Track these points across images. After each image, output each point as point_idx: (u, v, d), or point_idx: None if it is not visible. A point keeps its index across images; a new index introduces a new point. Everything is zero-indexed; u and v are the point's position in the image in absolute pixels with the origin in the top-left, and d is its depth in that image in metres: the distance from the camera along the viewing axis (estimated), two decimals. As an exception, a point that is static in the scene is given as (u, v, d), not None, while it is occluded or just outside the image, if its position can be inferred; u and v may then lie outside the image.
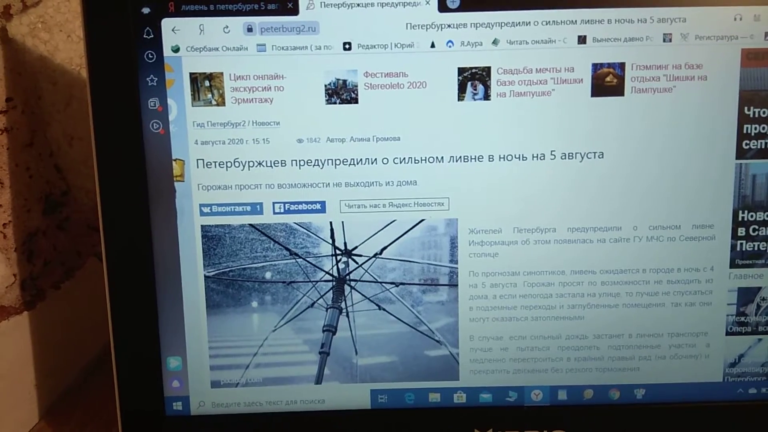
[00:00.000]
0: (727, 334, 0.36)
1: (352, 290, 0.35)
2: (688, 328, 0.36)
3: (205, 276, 0.35)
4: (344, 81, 0.33)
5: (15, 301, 0.39)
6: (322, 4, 0.32)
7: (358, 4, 0.32)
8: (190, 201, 0.34)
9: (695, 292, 0.35)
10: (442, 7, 0.33)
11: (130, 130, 0.33)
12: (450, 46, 0.33)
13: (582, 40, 0.33)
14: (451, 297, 0.35)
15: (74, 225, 0.44)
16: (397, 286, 0.35)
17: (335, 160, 0.34)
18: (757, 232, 0.35)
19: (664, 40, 0.33)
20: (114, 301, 0.34)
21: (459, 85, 0.33)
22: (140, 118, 0.33)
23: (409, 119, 0.34)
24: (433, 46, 0.33)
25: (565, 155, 0.34)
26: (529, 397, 0.36)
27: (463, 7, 0.33)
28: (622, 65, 0.33)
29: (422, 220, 0.35)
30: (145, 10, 0.32)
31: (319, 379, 0.36)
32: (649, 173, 0.34)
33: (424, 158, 0.34)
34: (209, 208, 0.34)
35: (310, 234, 0.35)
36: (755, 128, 0.34)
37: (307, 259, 0.35)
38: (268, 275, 0.35)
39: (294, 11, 0.33)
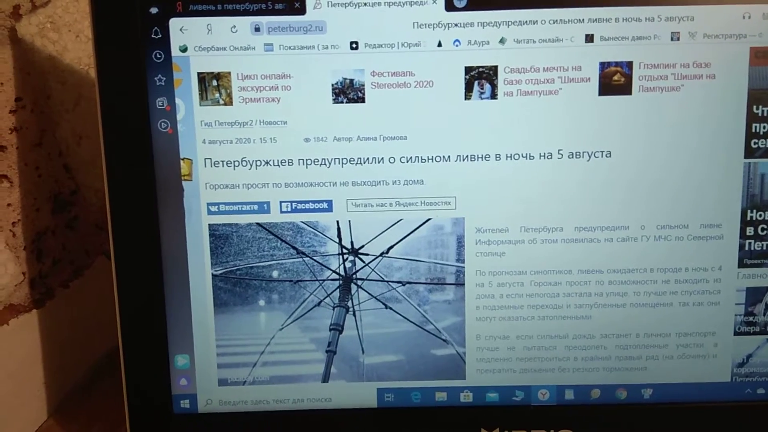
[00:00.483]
0: (735, 333, 0.36)
1: (359, 289, 0.35)
2: (696, 328, 0.36)
3: (212, 275, 0.35)
4: (351, 80, 0.33)
5: (24, 299, 0.40)
6: (329, 3, 0.32)
7: (365, 4, 0.33)
8: (197, 200, 0.34)
9: (703, 292, 0.35)
10: (449, 6, 0.33)
11: (138, 129, 0.33)
12: (457, 45, 0.33)
13: (589, 38, 0.33)
14: (457, 296, 0.35)
15: (83, 224, 0.45)
16: (403, 285, 0.35)
17: (342, 159, 0.34)
18: (765, 232, 0.35)
19: (671, 39, 0.33)
20: (122, 300, 0.34)
21: (466, 84, 0.33)
22: (148, 118, 0.33)
23: (416, 118, 0.34)
24: (440, 45, 0.33)
25: (573, 154, 0.34)
26: (536, 396, 0.36)
27: (470, 6, 0.33)
28: (629, 64, 0.33)
29: (429, 219, 0.35)
30: (153, 10, 0.32)
31: (325, 378, 0.36)
32: (656, 172, 0.34)
33: (430, 157, 0.34)
34: (217, 207, 0.34)
35: (317, 233, 0.35)
36: (764, 127, 0.34)
37: (314, 257, 0.35)
38: (275, 274, 0.35)
39: (301, 11, 0.33)
